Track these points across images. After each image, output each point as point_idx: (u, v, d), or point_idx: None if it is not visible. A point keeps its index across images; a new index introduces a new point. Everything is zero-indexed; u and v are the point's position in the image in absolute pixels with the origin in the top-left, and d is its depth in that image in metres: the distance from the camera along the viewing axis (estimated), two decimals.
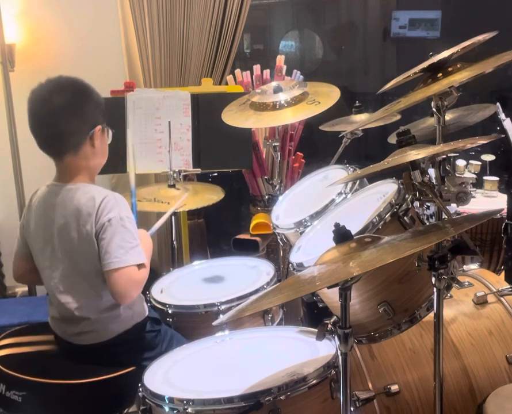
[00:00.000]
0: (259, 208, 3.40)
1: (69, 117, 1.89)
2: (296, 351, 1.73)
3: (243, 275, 2.37)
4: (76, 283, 1.91)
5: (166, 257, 3.58)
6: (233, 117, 2.56)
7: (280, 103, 2.48)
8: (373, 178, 2.02)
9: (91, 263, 1.88)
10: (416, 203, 1.79)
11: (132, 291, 1.87)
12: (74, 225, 1.87)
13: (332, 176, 2.37)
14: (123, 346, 1.95)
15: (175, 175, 2.78)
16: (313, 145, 4.75)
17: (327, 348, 1.68)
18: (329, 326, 1.45)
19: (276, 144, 2.72)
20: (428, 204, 2.46)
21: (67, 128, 1.90)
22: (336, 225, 1.46)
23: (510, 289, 2.11)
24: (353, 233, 1.47)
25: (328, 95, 2.53)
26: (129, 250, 1.85)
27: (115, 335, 1.94)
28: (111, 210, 1.86)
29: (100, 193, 1.90)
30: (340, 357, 1.45)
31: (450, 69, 1.63)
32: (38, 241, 1.97)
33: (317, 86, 2.63)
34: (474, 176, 3.00)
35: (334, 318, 1.45)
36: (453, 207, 2.51)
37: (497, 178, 3.01)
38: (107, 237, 1.84)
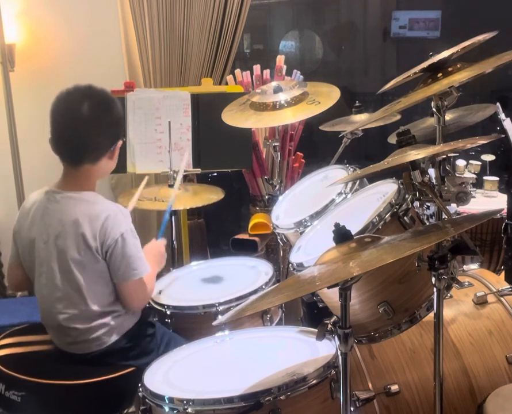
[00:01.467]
0: (258, 208, 3.40)
1: (97, 131, 1.90)
2: (296, 351, 1.73)
3: (242, 275, 2.37)
4: (67, 292, 1.89)
5: (166, 258, 3.58)
6: (233, 117, 2.56)
7: (280, 103, 2.48)
8: (373, 178, 2.02)
9: (85, 273, 1.88)
10: (416, 203, 1.79)
11: (148, 296, 2.00)
12: (71, 234, 1.86)
13: (332, 176, 2.37)
14: (118, 354, 1.94)
15: (175, 175, 2.77)
16: (313, 145, 4.75)
17: (327, 348, 1.68)
18: (329, 326, 1.45)
19: (276, 144, 2.71)
20: (428, 204, 2.45)
21: (93, 141, 1.90)
22: (336, 225, 1.46)
23: (510, 289, 2.11)
24: (353, 233, 1.47)
25: (328, 95, 2.52)
26: (143, 260, 1.93)
27: (108, 344, 1.93)
28: (121, 224, 1.88)
29: (105, 207, 1.90)
30: (340, 357, 1.45)
31: (450, 69, 1.63)
32: (32, 247, 1.94)
33: (317, 86, 2.62)
34: (474, 176, 3.00)
35: (334, 318, 1.45)
36: (453, 207, 2.51)
37: (497, 178, 3.01)
38: (122, 250, 1.87)
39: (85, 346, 1.92)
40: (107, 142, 1.93)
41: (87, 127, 1.88)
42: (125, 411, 2.03)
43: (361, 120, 2.75)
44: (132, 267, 1.89)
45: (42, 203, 1.94)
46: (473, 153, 3.27)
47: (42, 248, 1.91)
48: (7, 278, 2.11)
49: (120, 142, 1.97)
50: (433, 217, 2.18)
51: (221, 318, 2.01)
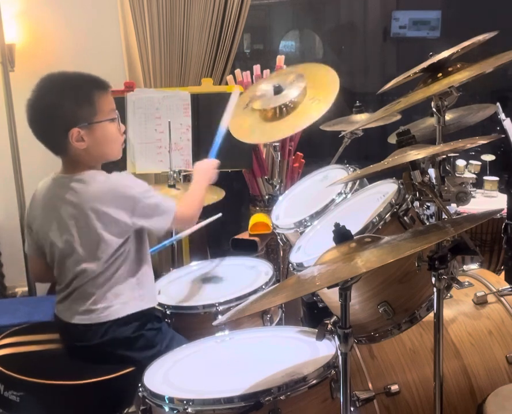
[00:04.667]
0: (258, 208, 3.40)
1: (44, 119, 1.88)
2: (296, 351, 1.73)
3: (242, 275, 2.37)
4: (89, 265, 1.90)
5: (166, 258, 3.58)
6: (237, 131, 2.53)
7: (282, 110, 2.41)
8: (373, 178, 2.02)
9: (106, 245, 1.88)
10: (416, 203, 1.79)
11: (190, 215, 2.10)
12: (93, 215, 1.85)
13: (332, 176, 2.37)
14: (123, 345, 1.94)
15: (175, 175, 2.77)
16: (313, 145, 4.74)
17: (327, 348, 1.68)
18: (329, 326, 1.45)
19: (276, 144, 2.71)
20: (428, 204, 2.46)
21: (43, 131, 1.89)
22: (336, 225, 1.46)
23: (510, 289, 2.11)
24: (353, 233, 1.47)
25: (327, 91, 2.49)
26: (166, 200, 1.99)
27: (118, 317, 1.92)
28: (133, 188, 1.91)
29: (114, 180, 1.90)
30: (340, 357, 1.45)
31: (450, 69, 1.63)
32: (48, 233, 1.93)
33: (312, 68, 2.52)
34: (474, 176, 3.00)
35: (334, 318, 1.45)
36: (453, 207, 2.51)
37: (497, 178, 3.01)
38: (147, 208, 1.91)
39: (97, 315, 1.91)
40: (55, 130, 1.87)
41: (36, 115, 1.88)
42: (125, 411, 2.03)
43: (361, 120, 2.75)
44: (160, 211, 1.94)
45: (51, 189, 1.94)
46: (473, 153, 3.28)
47: (64, 231, 1.90)
48: (30, 270, 2.12)
49: (75, 131, 1.85)
50: (433, 217, 2.18)
51: (221, 318, 2.01)
